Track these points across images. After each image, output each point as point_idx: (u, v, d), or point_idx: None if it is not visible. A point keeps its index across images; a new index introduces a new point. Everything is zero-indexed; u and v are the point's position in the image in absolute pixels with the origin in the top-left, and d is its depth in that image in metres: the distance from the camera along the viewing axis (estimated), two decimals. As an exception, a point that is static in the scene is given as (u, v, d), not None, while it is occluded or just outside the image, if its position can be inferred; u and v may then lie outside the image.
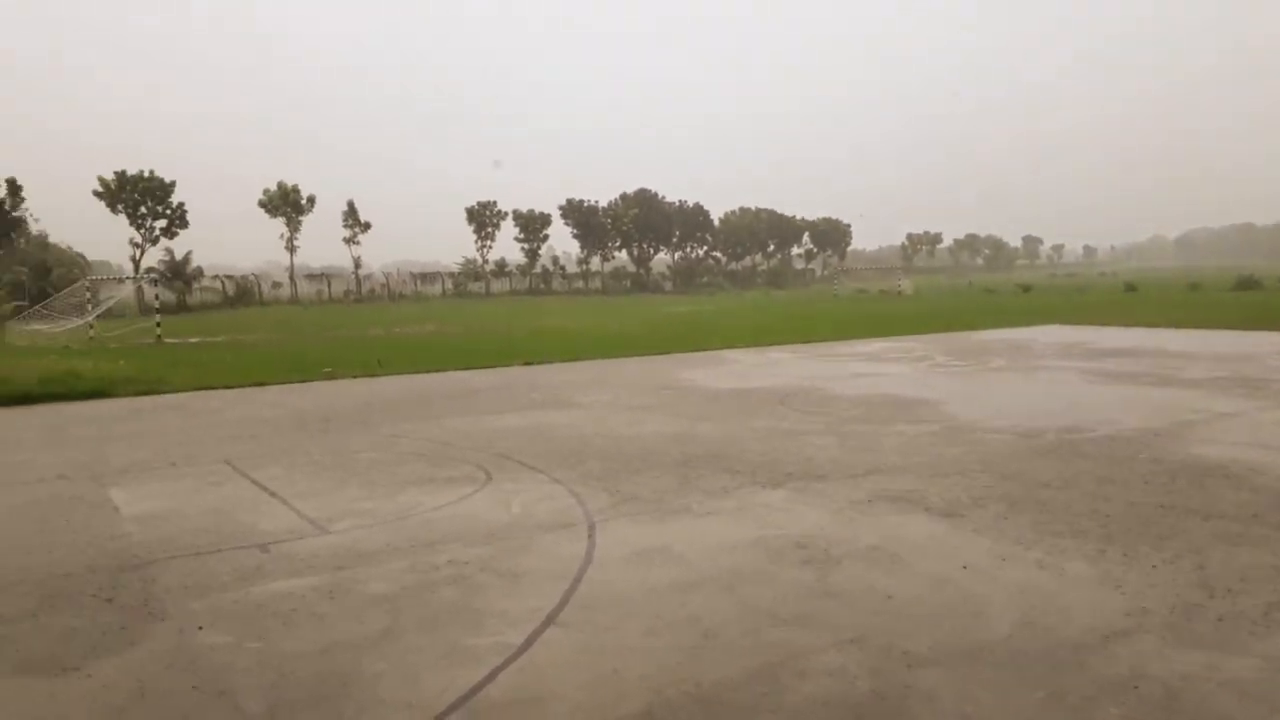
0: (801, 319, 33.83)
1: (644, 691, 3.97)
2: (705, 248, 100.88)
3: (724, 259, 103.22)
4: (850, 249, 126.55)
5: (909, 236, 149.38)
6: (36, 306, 35.99)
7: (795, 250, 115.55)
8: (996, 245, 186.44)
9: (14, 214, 54.75)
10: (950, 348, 20.61)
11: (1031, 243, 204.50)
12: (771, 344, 22.68)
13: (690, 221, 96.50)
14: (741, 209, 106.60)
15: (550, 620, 4.78)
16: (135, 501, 7.70)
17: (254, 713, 3.85)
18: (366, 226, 75.57)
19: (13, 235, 55.63)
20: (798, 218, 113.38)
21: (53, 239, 62.90)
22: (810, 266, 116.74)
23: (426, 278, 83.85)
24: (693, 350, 21.34)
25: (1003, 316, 31.32)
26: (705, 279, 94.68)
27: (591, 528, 6.52)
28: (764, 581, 5.32)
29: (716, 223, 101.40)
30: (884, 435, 9.88)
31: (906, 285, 64.87)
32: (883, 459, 8.65)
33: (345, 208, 75.05)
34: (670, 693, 3.95)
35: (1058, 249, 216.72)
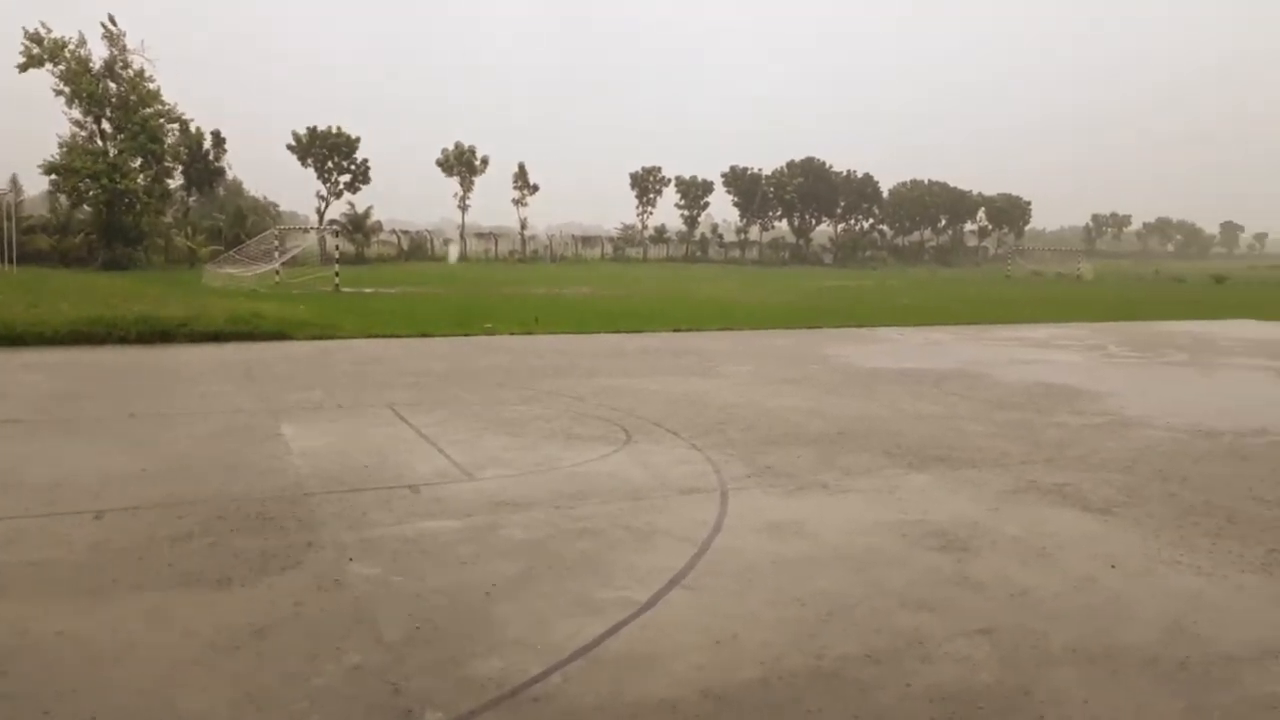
0: (967, 299, 32.48)
1: (763, 659, 4.00)
2: (871, 221, 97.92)
3: (890, 233, 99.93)
4: (1029, 228, 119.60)
5: (1094, 217, 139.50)
6: (230, 251, 38.90)
7: (969, 227, 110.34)
8: (1191, 231, 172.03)
9: (216, 164, 59.18)
10: (1127, 338, 19.35)
11: (1230, 229, 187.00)
12: (932, 324, 21.93)
13: (857, 193, 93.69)
14: (913, 181, 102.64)
15: (675, 581, 4.87)
16: (304, 437, 8.30)
17: (391, 640, 4.12)
18: (534, 189, 77.70)
19: (214, 184, 60.24)
20: (974, 193, 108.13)
21: (247, 188, 68.04)
22: (984, 245, 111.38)
23: (587, 241, 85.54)
24: (847, 326, 20.92)
25: (1190, 308, 29.10)
26: (868, 253, 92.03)
27: (724, 495, 6.56)
28: (897, 565, 5.22)
29: (886, 195, 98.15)
30: (1043, 425, 9.43)
31: (1086, 269, 60.99)
32: (1038, 450, 8.27)
33: (516, 169, 77.33)
34: (789, 663, 3.96)
35: (1260, 238, 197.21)
